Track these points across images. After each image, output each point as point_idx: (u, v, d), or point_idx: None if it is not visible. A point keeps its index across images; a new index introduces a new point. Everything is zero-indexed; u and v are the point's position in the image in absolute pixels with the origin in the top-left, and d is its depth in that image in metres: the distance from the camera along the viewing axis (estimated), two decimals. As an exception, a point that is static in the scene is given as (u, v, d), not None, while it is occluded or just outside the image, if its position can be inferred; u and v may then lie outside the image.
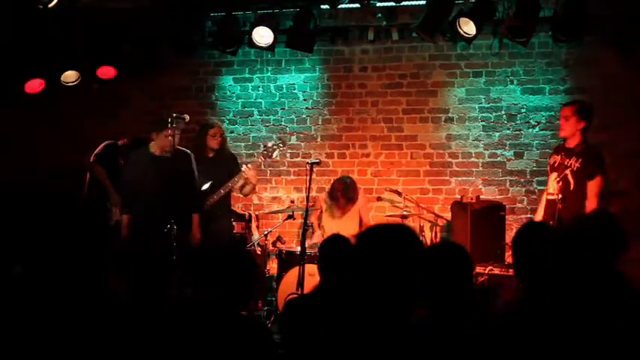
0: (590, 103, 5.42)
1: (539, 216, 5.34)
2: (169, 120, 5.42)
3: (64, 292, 2.35)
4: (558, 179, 5.12)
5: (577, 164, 5.04)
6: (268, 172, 7.35)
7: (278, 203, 7.30)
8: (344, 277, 3.75)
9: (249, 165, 5.97)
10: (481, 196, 6.45)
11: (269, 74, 7.36)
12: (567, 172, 5.08)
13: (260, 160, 6.10)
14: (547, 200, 5.26)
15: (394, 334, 1.84)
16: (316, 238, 6.38)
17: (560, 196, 5.13)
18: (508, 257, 5.98)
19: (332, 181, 6.63)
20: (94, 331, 2.20)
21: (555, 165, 5.23)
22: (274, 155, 6.13)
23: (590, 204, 4.96)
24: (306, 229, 5.66)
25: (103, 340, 2.18)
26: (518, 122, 6.74)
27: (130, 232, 5.52)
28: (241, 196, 6.46)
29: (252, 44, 6.36)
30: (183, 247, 5.31)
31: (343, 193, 6.40)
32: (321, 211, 6.72)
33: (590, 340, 2.25)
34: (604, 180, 5.02)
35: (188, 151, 5.67)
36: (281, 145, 6.12)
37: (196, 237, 5.58)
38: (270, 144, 6.12)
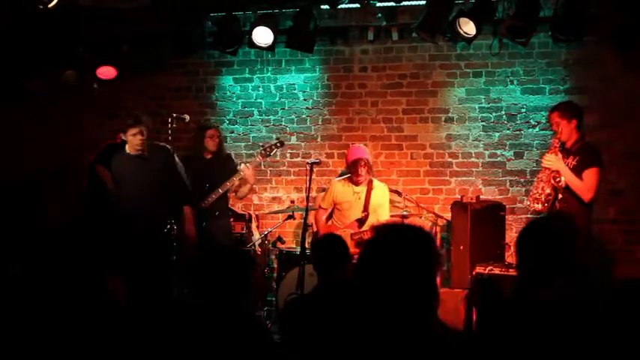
0: (573, 102, 5.45)
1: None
2: (138, 117, 5.41)
3: (64, 292, 2.35)
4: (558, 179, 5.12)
5: (574, 162, 5.06)
6: (268, 172, 7.35)
7: (278, 203, 7.30)
8: (340, 276, 3.76)
9: (247, 164, 5.97)
10: (481, 196, 6.45)
11: (269, 74, 7.36)
12: None
13: (259, 159, 6.12)
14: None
15: (393, 334, 1.83)
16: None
17: (560, 196, 5.13)
18: (508, 257, 5.99)
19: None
20: (93, 331, 2.20)
21: (555, 147, 5.22)
22: (273, 155, 6.16)
23: (585, 195, 4.96)
24: (306, 229, 5.66)
25: (103, 341, 2.18)
26: (518, 122, 6.74)
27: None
28: (237, 198, 6.46)
29: (252, 44, 6.36)
30: (179, 245, 5.31)
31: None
32: (320, 208, 6.67)
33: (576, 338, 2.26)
34: (599, 173, 5.01)
35: (166, 145, 5.61)
36: (279, 144, 6.14)
37: (191, 232, 5.53)
38: (268, 144, 6.14)
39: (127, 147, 5.55)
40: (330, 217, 6.40)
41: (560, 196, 5.16)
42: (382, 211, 6.14)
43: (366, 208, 6.09)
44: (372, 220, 5.99)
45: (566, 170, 5.00)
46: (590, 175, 5.00)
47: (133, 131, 5.40)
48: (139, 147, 5.44)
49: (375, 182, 6.22)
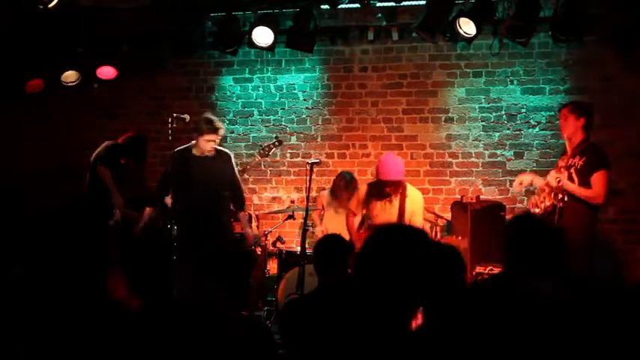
0: (588, 102, 5.42)
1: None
2: (215, 125, 5.56)
3: (64, 292, 2.35)
4: (565, 176, 5.10)
5: (580, 162, 5.02)
6: (268, 172, 7.35)
7: (278, 203, 7.30)
8: (340, 276, 3.76)
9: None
10: (481, 196, 6.45)
11: (269, 74, 7.36)
12: (572, 170, 5.08)
13: (257, 159, 6.15)
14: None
15: (393, 334, 1.83)
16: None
17: (560, 196, 5.13)
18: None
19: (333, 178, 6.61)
20: (93, 332, 2.20)
21: (561, 167, 5.21)
22: (271, 154, 6.19)
23: (596, 200, 4.92)
24: (306, 229, 5.66)
25: (103, 341, 2.18)
26: (518, 122, 6.74)
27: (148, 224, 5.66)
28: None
29: (252, 44, 6.36)
30: (233, 247, 5.46)
31: (344, 189, 6.35)
32: (323, 210, 6.71)
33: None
34: (608, 174, 4.99)
35: (228, 151, 5.81)
36: (277, 143, 6.16)
37: (249, 236, 5.82)
38: (267, 143, 6.16)
39: (193, 148, 5.68)
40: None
41: (560, 196, 5.15)
42: (417, 220, 5.69)
43: (401, 217, 5.65)
44: None
45: (574, 187, 4.96)
46: (599, 178, 4.94)
47: (208, 138, 5.56)
48: (207, 151, 5.62)
49: (410, 189, 5.73)
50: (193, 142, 5.70)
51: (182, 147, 5.77)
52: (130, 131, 6.66)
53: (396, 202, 5.68)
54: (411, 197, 5.72)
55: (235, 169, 5.80)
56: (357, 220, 5.93)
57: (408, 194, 5.71)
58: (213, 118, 5.67)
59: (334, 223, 6.43)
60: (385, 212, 5.74)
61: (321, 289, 3.81)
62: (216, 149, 5.65)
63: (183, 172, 5.61)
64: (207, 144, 5.58)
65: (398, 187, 5.59)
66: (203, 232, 5.48)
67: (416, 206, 5.73)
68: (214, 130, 5.57)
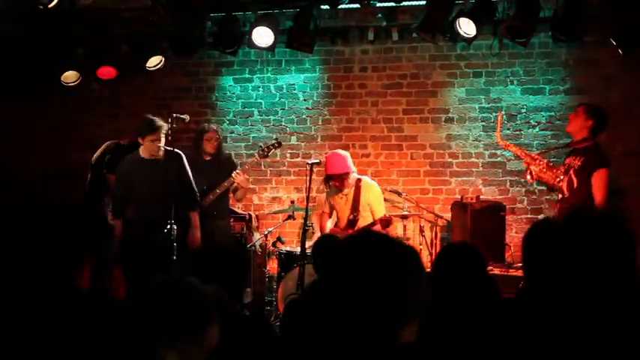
0: (603, 108, 5.34)
1: None
2: (155, 124, 5.45)
3: (61, 292, 2.35)
4: (565, 179, 5.11)
5: (579, 163, 5.03)
6: (268, 172, 7.35)
7: (278, 203, 7.30)
8: (339, 277, 3.75)
9: (238, 171, 5.95)
10: (481, 197, 6.45)
11: (269, 74, 7.36)
12: (571, 171, 5.08)
13: (256, 159, 6.13)
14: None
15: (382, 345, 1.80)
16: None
17: (560, 196, 5.13)
18: (508, 257, 5.98)
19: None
20: (90, 331, 2.19)
21: (565, 168, 5.22)
22: (271, 155, 6.18)
23: (596, 198, 4.92)
24: (306, 230, 5.66)
25: (101, 340, 2.18)
26: (518, 122, 6.74)
27: (122, 236, 5.54)
28: (236, 200, 6.48)
29: (252, 44, 6.36)
30: (183, 248, 5.34)
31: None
32: (323, 212, 6.71)
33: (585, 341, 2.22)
34: (608, 173, 4.98)
35: (178, 151, 5.65)
36: (277, 144, 6.15)
37: (196, 237, 5.62)
38: (266, 144, 6.15)
39: (141, 150, 5.62)
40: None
41: (560, 196, 5.16)
42: (377, 209, 5.90)
43: (355, 209, 5.89)
44: (366, 220, 5.86)
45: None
46: (598, 180, 4.95)
47: (153, 137, 5.47)
48: (155, 152, 5.52)
49: (364, 181, 5.95)
50: (141, 145, 5.61)
51: (131, 153, 5.70)
52: (132, 133, 6.67)
53: (350, 195, 5.91)
54: (365, 188, 5.91)
55: (186, 167, 5.65)
56: (327, 217, 6.20)
57: (362, 186, 5.91)
58: (154, 117, 5.55)
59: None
60: (342, 206, 5.99)
61: (319, 289, 3.81)
62: (166, 150, 5.51)
63: (131, 177, 5.59)
64: (152, 145, 5.48)
65: (344, 179, 5.81)
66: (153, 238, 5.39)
67: (371, 196, 5.92)
68: (155, 130, 5.45)
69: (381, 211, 5.92)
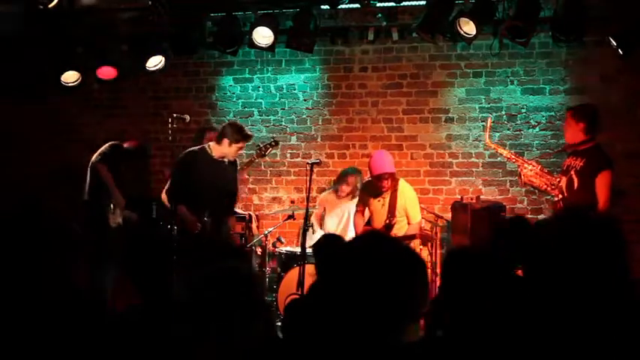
0: (590, 104, 5.40)
1: None
2: (250, 135, 5.67)
3: (60, 292, 2.35)
4: (565, 179, 5.10)
5: (581, 163, 5.01)
6: (268, 172, 7.35)
7: (278, 203, 7.30)
8: (339, 277, 3.75)
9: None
10: (481, 196, 6.45)
11: (269, 74, 7.36)
12: (572, 172, 5.07)
13: (253, 158, 6.18)
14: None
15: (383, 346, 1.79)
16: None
17: (560, 196, 5.13)
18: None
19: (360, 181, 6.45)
20: (88, 332, 2.19)
21: (564, 168, 5.21)
22: (268, 154, 6.21)
23: (600, 200, 4.91)
24: (306, 229, 5.66)
25: (101, 340, 2.18)
26: (518, 122, 6.74)
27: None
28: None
29: (252, 44, 6.37)
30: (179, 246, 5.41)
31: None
32: (324, 211, 6.70)
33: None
34: (611, 175, 4.97)
35: (236, 159, 5.86)
36: (274, 144, 6.17)
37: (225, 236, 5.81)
38: (263, 143, 6.18)
39: (212, 149, 5.66)
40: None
41: (560, 196, 5.15)
42: (412, 214, 5.80)
43: (391, 214, 5.74)
44: (401, 225, 5.76)
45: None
46: (602, 182, 4.92)
47: (241, 146, 5.64)
48: (230, 157, 5.71)
49: (401, 184, 5.81)
50: (211, 143, 5.67)
51: (195, 148, 5.77)
52: (134, 135, 6.69)
53: (387, 198, 5.78)
54: (402, 192, 5.80)
55: (237, 176, 5.92)
56: (361, 216, 6.06)
57: (399, 189, 5.80)
58: (244, 126, 5.75)
59: (335, 223, 6.43)
60: (378, 209, 5.86)
61: (318, 289, 3.81)
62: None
63: (198, 171, 5.61)
64: (236, 150, 5.63)
65: (393, 180, 5.71)
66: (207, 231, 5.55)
67: (408, 201, 5.81)
68: (247, 139, 5.66)
69: (416, 215, 5.85)
